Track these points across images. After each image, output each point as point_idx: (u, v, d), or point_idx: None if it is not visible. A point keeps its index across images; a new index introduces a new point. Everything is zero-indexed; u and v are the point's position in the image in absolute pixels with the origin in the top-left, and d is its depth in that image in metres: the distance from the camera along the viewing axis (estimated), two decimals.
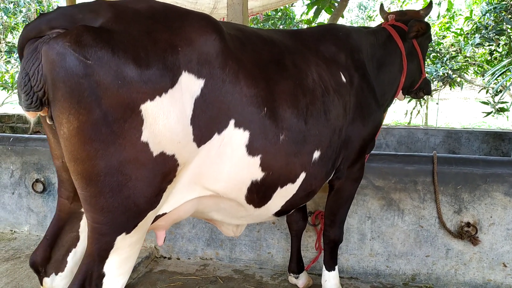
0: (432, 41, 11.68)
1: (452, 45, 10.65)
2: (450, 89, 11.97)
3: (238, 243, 3.71)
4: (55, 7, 1.83)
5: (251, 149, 1.93)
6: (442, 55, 10.51)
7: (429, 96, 12.80)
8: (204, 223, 3.75)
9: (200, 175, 1.88)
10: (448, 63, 10.13)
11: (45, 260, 2.03)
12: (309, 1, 7.28)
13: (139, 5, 1.72)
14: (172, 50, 1.64)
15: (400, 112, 15.63)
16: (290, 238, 3.33)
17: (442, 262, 3.32)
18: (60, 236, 2.05)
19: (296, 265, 3.28)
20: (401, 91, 3.20)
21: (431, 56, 11.35)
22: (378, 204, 3.40)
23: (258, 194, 2.10)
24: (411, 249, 3.37)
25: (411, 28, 2.92)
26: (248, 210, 2.19)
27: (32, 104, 1.55)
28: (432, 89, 3.52)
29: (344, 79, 2.51)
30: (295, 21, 10.92)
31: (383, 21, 3.29)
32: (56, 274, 2.06)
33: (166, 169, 1.68)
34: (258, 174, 2.02)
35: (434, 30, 11.67)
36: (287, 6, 10.57)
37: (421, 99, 11.58)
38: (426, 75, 3.42)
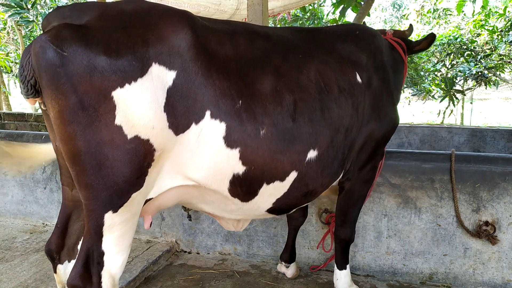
0: (466, 39, 11.43)
1: (486, 43, 10.36)
2: (486, 88, 11.63)
3: (255, 239, 3.77)
4: None
5: (229, 141, 2.00)
6: (476, 53, 10.23)
7: (464, 96, 12.48)
8: None
9: (182, 164, 2.00)
10: (482, 61, 9.86)
11: (59, 247, 2.17)
12: (335, 0, 7.26)
13: (127, 5, 1.91)
14: (142, 43, 1.80)
15: (434, 112, 15.30)
16: (288, 229, 3.40)
17: (460, 261, 3.27)
18: (69, 224, 2.20)
19: (289, 255, 3.38)
20: None
21: (465, 54, 11.09)
22: (394, 202, 3.38)
23: (242, 188, 2.15)
24: (429, 248, 3.34)
25: (421, 43, 3.01)
26: (236, 204, 2.25)
27: (29, 92, 1.78)
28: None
29: (359, 80, 2.49)
30: (323, 21, 10.88)
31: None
32: (69, 261, 2.20)
33: (142, 152, 1.82)
34: (239, 167, 2.08)
35: (468, 27, 11.40)
36: (315, 6, 10.57)
37: (455, 99, 11.31)
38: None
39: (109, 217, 1.84)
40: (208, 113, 1.95)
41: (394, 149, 4.53)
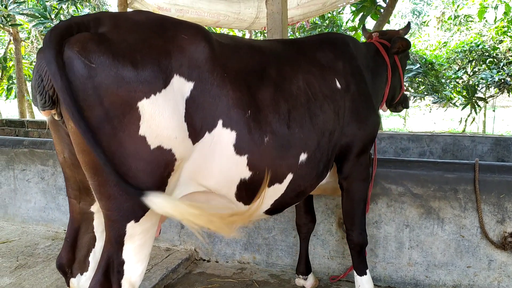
0: (488, 46, 11.25)
1: (509, 49, 10.17)
2: (509, 95, 11.42)
3: (275, 248, 3.75)
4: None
5: (238, 149, 2.09)
6: (499, 60, 10.06)
7: (486, 103, 12.26)
8: (242, 228, 3.82)
9: (195, 171, 2.03)
10: (504, 68, 9.68)
11: (70, 261, 2.18)
12: (354, 8, 7.24)
13: (138, 16, 1.93)
14: (165, 55, 1.83)
15: (455, 120, 15.07)
16: (299, 240, 3.38)
17: (484, 274, 3.19)
18: (78, 237, 2.20)
19: (305, 266, 3.36)
20: (384, 102, 3.39)
21: (487, 61, 10.91)
22: (416, 212, 3.33)
23: (247, 192, 2.23)
24: (452, 259, 3.27)
25: (394, 44, 3.15)
26: (239, 207, 2.31)
27: (46, 103, 1.76)
28: (409, 103, 3.73)
29: (339, 85, 2.64)
30: (342, 28, 10.85)
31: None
32: (81, 274, 2.21)
33: (164, 162, 1.84)
34: (246, 173, 2.17)
35: (490, 34, 11.23)
36: (334, 14, 10.55)
37: (477, 106, 11.13)
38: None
39: (130, 227, 1.85)
40: (220, 122, 2.01)
41: (416, 158, 4.47)
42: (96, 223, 2.21)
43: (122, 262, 1.88)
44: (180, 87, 1.86)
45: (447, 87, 11.06)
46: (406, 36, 3.45)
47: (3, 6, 9.02)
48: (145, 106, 1.74)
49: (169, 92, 1.81)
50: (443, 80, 10.95)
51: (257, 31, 11.39)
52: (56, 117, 1.85)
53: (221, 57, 2.08)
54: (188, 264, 3.87)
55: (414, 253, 3.36)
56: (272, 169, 2.26)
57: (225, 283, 3.52)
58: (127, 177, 1.77)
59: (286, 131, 2.27)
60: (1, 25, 10.08)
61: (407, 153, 4.97)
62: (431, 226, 3.30)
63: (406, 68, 10.40)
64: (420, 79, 11.03)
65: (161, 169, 1.84)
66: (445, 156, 4.83)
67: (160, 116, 1.77)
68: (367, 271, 3.00)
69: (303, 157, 2.38)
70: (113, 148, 1.73)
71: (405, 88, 3.45)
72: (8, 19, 9.77)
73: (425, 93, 11.01)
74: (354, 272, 3.02)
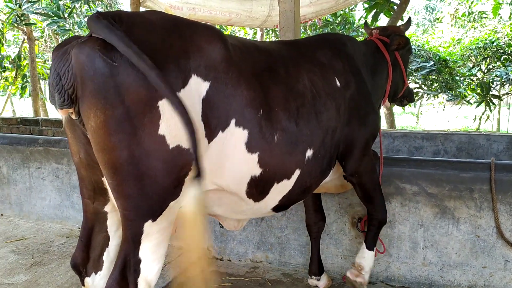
0: (503, 43, 11.08)
1: None
2: None
3: (287, 247, 3.75)
4: None
5: (250, 147, 2.12)
6: None
7: (500, 101, 12.09)
8: (254, 226, 3.82)
9: (208, 170, 2.03)
10: None
11: (84, 260, 2.19)
12: (367, 5, 7.18)
13: (153, 16, 1.93)
14: (184, 55, 1.84)
15: (469, 118, 14.91)
16: (310, 241, 3.38)
17: (500, 274, 3.15)
18: (92, 237, 2.20)
19: (317, 266, 3.36)
20: (387, 98, 3.42)
21: (501, 58, 10.75)
22: (431, 212, 3.29)
23: (257, 188, 2.27)
24: (467, 260, 3.23)
25: (393, 41, 3.20)
26: (248, 204, 2.35)
27: (65, 102, 1.75)
28: (414, 96, 3.78)
29: (338, 84, 2.68)
30: (354, 25, 10.77)
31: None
32: (96, 273, 2.21)
33: (182, 161, 1.84)
34: (257, 170, 2.20)
35: (504, 31, 11.06)
36: (346, 11, 10.48)
37: (492, 104, 10.97)
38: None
39: (148, 226, 1.85)
40: (233, 121, 2.03)
41: (431, 157, 4.43)
42: (109, 222, 2.21)
43: (139, 261, 1.88)
44: (197, 87, 1.88)
45: (461, 85, 10.91)
46: (407, 32, 3.50)
47: (17, 6, 9.12)
48: (165, 105, 1.74)
49: (187, 92, 1.82)
50: (457, 78, 10.81)
51: (268, 29, 11.37)
52: (73, 116, 1.84)
53: (234, 58, 2.10)
54: None
55: (429, 253, 3.32)
56: (281, 166, 2.29)
57: (238, 282, 3.52)
58: (146, 176, 1.77)
59: (294, 128, 2.31)
60: (15, 24, 10.20)
61: (421, 152, 4.92)
62: (446, 226, 3.26)
63: (419, 66, 10.32)
64: (434, 77, 10.90)
65: (179, 168, 1.84)
66: (460, 155, 4.77)
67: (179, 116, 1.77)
68: (375, 248, 3.05)
69: (309, 153, 2.42)
70: (133, 147, 1.73)
71: (408, 82, 3.45)
72: (22, 18, 9.87)
73: (439, 90, 10.88)
74: (363, 245, 3.05)
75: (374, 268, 3.47)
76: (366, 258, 3.04)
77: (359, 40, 3.40)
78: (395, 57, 3.29)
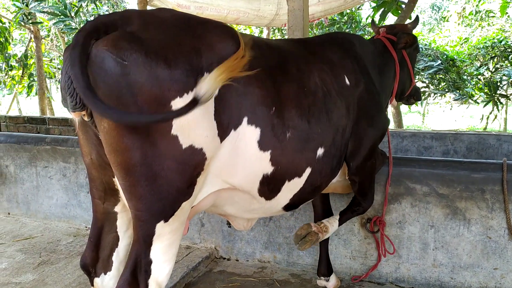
0: (511, 42, 10.99)
1: None
2: None
3: (295, 247, 3.71)
4: None
5: (262, 145, 2.10)
6: None
7: (508, 100, 11.99)
8: (262, 226, 3.80)
9: (221, 169, 2.03)
10: None
11: (94, 260, 2.17)
12: (374, 4, 7.13)
13: (164, 14, 1.91)
14: (196, 53, 1.81)
15: (476, 117, 14.81)
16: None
17: None
18: (101, 237, 2.18)
19: (326, 267, 3.32)
20: (394, 97, 3.39)
21: (509, 57, 10.67)
22: (441, 213, 3.26)
23: (269, 186, 2.26)
24: (478, 261, 3.19)
25: (400, 40, 3.18)
26: (260, 203, 2.34)
27: (77, 105, 1.73)
28: (421, 95, 3.80)
29: (348, 82, 2.66)
30: (361, 24, 10.72)
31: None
32: (105, 273, 2.19)
33: (194, 161, 1.83)
34: (269, 168, 2.19)
35: None
36: (353, 10, 10.43)
37: (499, 103, 10.88)
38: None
39: (160, 226, 1.84)
40: (245, 119, 2.01)
41: (441, 157, 4.39)
42: (119, 222, 2.20)
43: (150, 262, 1.87)
44: None
45: (469, 84, 10.83)
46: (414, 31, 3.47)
47: (24, 4, 9.14)
48: (178, 105, 1.71)
49: None
50: (464, 77, 10.73)
51: (275, 28, 11.33)
52: (86, 118, 1.82)
53: (246, 55, 2.04)
54: (208, 263, 3.86)
55: (439, 254, 3.29)
56: (293, 164, 2.28)
57: (246, 282, 3.50)
58: (159, 177, 1.76)
59: (306, 126, 2.29)
60: (22, 23, 10.22)
61: (430, 152, 4.88)
62: (457, 227, 3.23)
63: (426, 65, 10.26)
64: (441, 76, 10.83)
65: (191, 168, 1.83)
66: (470, 155, 4.73)
67: (192, 115, 1.74)
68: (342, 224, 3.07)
69: (320, 151, 2.41)
70: (146, 147, 1.71)
71: (415, 81, 3.43)
72: (29, 17, 9.88)
73: (446, 90, 10.80)
74: (334, 217, 2.99)
75: (383, 269, 3.44)
76: (333, 227, 2.98)
77: (366, 39, 3.38)
78: (402, 55, 3.27)
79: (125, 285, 1.86)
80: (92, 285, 2.23)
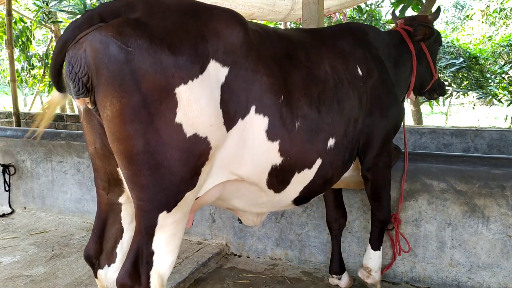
0: None
1: None
2: None
3: (307, 244, 3.64)
4: None
5: (270, 135, 2.04)
6: None
7: None
8: (274, 223, 3.73)
9: (227, 159, 1.98)
10: None
11: (98, 252, 2.14)
12: (394, 0, 6.99)
13: (170, 1, 1.87)
14: (201, 39, 1.78)
15: (500, 118, 14.43)
16: (331, 238, 3.29)
17: None
18: (106, 229, 2.14)
19: (338, 265, 3.25)
20: (412, 91, 3.27)
21: None
22: (459, 210, 3.13)
23: (277, 178, 2.19)
24: (497, 261, 3.06)
25: (416, 32, 3.07)
26: (269, 195, 2.28)
27: (80, 91, 1.70)
28: (445, 90, 3.59)
29: (360, 72, 2.59)
30: (381, 22, 10.54)
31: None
32: (109, 265, 2.16)
33: (199, 150, 1.78)
34: (277, 159, 2.12)
35: None
36: (372, 7, 10.27)
37: None
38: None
39: (162, 217, 1.80)
40: (253, 108, 1.96)
41: (460, 153, 4.25)
42: (123, 214, 2.16)
43: (152, 253, 1.83)
44: (216, 73, 1.81)
45: (492, 83, 10.54)
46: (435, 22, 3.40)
47: (44, 3, 9.27)
48: (183, 92, 1.69)
49: (206, 78, 1.76)
50: (487, 75, 10.44)
51: (290, 23, 11.19)
52: (89, 106, 1.80)
53: (254, 42, 2.03)
54: (219, 259, 3.81)
55: (457, 253, 3.17)
56: (302, 154, 2.22)
57: (256, 279, 3.43)
58: (162, 166, 1.72)
59: (316, 115, 2.23)
60: (43, 22, 10.38)
61: (450, 149, 4.73)
62: (475, 225, 3.10)
63: (449, 63, 10.02)
64: (464, 74, 10.57)
65: (195, 158, 1.79)
66: (491, 152, 4.57)
67: (197, 103, 1.72)
68: (381, 248, 3.03)
69: (331, 142, 2.34)
70: (149, 135, 1.68)
71: (437, 75, 3.34)
72: (49, 16, 10.03)
73: (469, 88, 10.53)
74: (368, 246, 3.03)
75: (398, 268, 3.34)
76: (373, 259, 3.01)
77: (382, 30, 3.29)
78: (420, 48, 3.15)
79: (126, 276, 1.83)
80: (96, 277, 2.20)
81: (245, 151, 2.01)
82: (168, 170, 1.74)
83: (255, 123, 1.98)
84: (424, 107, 14.32)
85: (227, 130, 1.89)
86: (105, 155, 1.97)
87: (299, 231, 3.66)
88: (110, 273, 2.17)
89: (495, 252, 3.06)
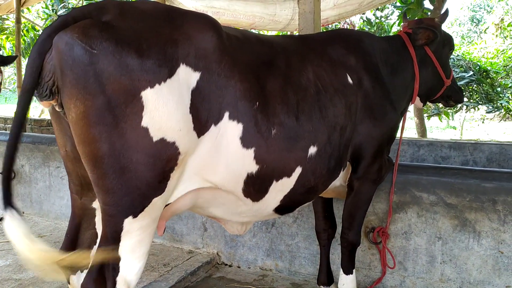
0: None
1: None
2: None
3: (297, 255, 3.59)
4: None
5: (245, 142, 2.00)
6: None
7: None
8: (264, 233, 3.69)
9: (200, 166, 1.95)
10: None
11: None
12: (400, 12, 6.96)
13: (145, 5, 1.88)
14: (171, 44, 1.77)
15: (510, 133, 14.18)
16: (319, 248, 3.22)
17: None
18: (79, 234, 2.13)
19: (326, 276, 3.19)
20: (418, 98, 3.13)
21: None
22: (450, 224, 3.06)
23: (254, 186, 2.15)
24: (489, 277, 2.97)
25: (416, 35, 2.95)
26: (247, 204, 2.22)
27: (43, 93, 1.70)
28: (462, 97, 3.39)
29: (350, 81, 2.53)
30: (391, 34, 10.48)
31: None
32: (82, 271, 2.13)
33: (166, 155, 1.77)
34: (253, 167, 2.08)
35: None
36: (381, 19, 10.25)
37: None
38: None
39: (128, 222, 1.78)
40: (227, 114, 1.94)
41: (451, 165, 4.17)
42: (98, 219, 2.15)
43: (118, 259, 1.81)
44: (186, 77, 1.80)
45: (504, 97, 10.39)
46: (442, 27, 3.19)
47: (54, 12, 9.46)
48: (149, 96, 1.68)
49: (175, 82, 1.75)
50: (498, 89, 10.30)
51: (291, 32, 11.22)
52: (57, 108, 1.81)
53: (229, 47, 2.01)
54: (208, 268, 3.77)
55: (447, 269, 3.08)
56: (280, 162, 2.17)
57: None
58: (127, 170, 1.71)
59: (294, 123, 2.18)
60: None
61: (448, 162, 4.64)
62: (466, 240, 3.02)
63: (458, 76, 9.91)
64: (473, 88, 10.44)
65: (163, 163, 1.77)
66: (491, 166, 4.47)
67: (164, 107, 1.71)
68: (354, 270, 2.94)
69: (312, 150, 2.28)
70: (114, 139, 1.67)
71: (450, 81, 3.17)
72: None
73: (479, 102, 10.39)
74: (340, 271, 2.96)
75: (388, 282, 3.26)
76: (346, 284, 2.94)
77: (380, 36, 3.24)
78: (425, 52, 3.00)
79: (90, 282, 1.81)
80: (69, 282, 2.18)
81: (219, 158, 1.98)
82: (134, 174, 1.72)
83: (229, 130, 1.96)
84: (434, 122, 14.13)
85: (198, 136, 1.87)
86: (76, 158, 1.95)
87: (290, 241, 3.62)
88: (82, 279, 2.16)
89: (487, 269, 2.98)
